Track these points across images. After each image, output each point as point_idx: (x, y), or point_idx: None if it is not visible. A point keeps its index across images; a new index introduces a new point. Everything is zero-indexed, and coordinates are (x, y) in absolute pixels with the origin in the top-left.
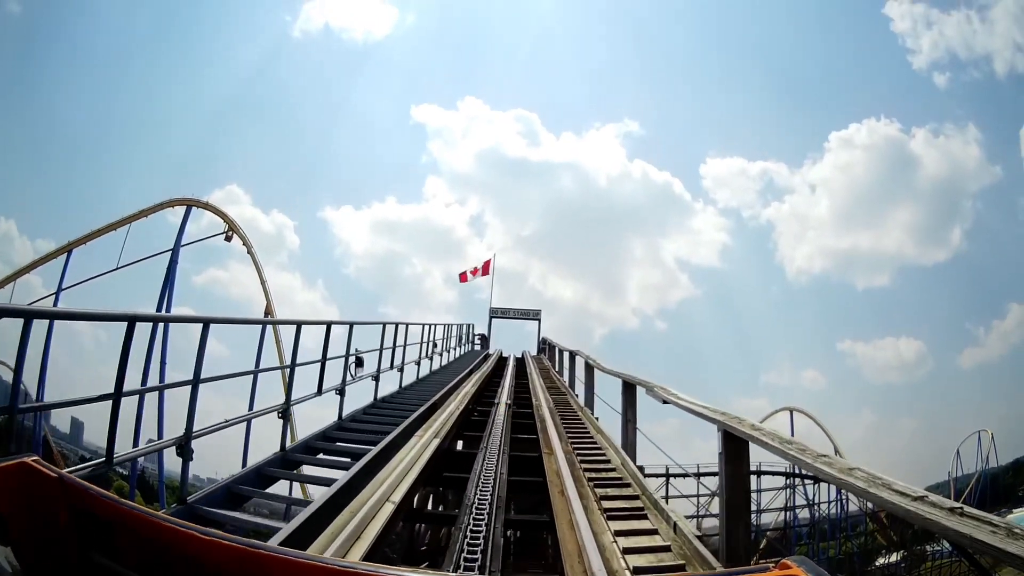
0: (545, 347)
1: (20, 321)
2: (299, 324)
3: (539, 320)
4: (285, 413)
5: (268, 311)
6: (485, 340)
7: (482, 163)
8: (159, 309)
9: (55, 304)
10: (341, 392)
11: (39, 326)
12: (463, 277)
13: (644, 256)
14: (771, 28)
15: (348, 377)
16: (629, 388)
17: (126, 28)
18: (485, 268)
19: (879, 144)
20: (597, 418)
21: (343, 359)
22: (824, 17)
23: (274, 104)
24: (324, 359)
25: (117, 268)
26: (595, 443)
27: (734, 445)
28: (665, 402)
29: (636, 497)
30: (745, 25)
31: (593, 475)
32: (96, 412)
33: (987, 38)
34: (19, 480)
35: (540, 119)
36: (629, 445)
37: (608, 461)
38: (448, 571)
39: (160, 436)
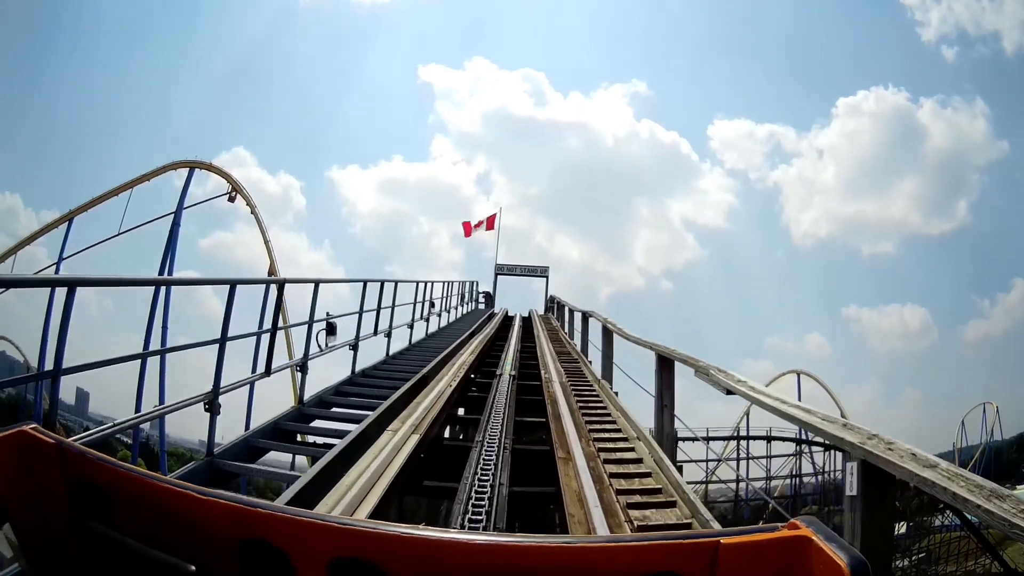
0: (553, 306)
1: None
2: (233, 283)
3: (547, 277)
4: (212, 404)
5: (271, 272)
6: (490, 298)
7: (489, 123)
8: (161, 273)
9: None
10: (303, 369)
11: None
12: (467, 229)
13: (651, 216)
14: None
15: (315, 348)
16: (666, 364)
17: None
18: (490, 223)
19: (887, 112)
20: (616, 393)
21: (306, 326)
22: None
23: (281, 66)
24: (275, 328)
25: (119, 234)
26: (620, 433)
27: (878, 482)
28: (729, 392)
29: (687, 527)
30: None
31: (624, 485)
32: (102, 382)
33: (995, 16)
34: (17, 449)
35: (548, 79)
36: (666, 438)
37: (640, 462)
38: (453, 529)
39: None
